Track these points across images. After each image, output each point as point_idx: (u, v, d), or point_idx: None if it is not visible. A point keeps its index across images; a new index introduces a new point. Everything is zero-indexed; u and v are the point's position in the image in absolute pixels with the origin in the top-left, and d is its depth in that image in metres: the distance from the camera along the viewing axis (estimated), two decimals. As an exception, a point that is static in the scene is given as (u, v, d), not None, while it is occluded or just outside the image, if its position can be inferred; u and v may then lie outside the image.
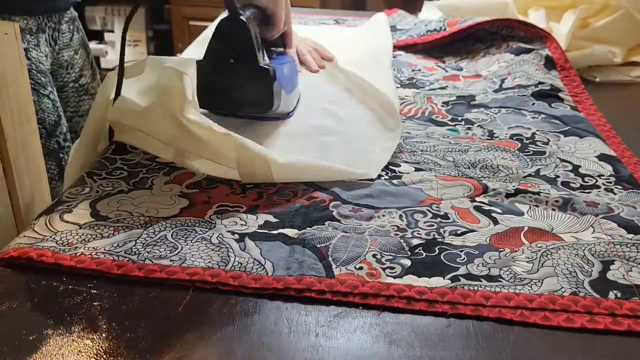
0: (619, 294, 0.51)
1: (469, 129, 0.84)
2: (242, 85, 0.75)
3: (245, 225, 0.59)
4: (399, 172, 0.71)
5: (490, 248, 0.57)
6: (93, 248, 0.55)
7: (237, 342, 0.46)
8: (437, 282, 0.52)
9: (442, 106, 0.92)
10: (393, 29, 1.30)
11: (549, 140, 0.80)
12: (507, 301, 0.50)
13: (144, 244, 0.56)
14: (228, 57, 0.73)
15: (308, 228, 0.59)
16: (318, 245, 0.56)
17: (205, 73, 0.71)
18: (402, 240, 0.57)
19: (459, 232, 0.59)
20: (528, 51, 1.08)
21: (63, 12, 0.98)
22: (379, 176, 0.70)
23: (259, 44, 0.75)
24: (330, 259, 0.54)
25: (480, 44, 1.18)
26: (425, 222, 0.61)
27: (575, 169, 0.72)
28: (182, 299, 0.50)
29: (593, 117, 0.88)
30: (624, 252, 0.56)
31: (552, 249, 0.56)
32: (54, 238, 0.56)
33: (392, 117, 0.82)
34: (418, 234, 0.59)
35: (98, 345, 0.45)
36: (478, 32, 1.18)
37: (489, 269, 0.54)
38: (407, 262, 0.54)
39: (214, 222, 0.60)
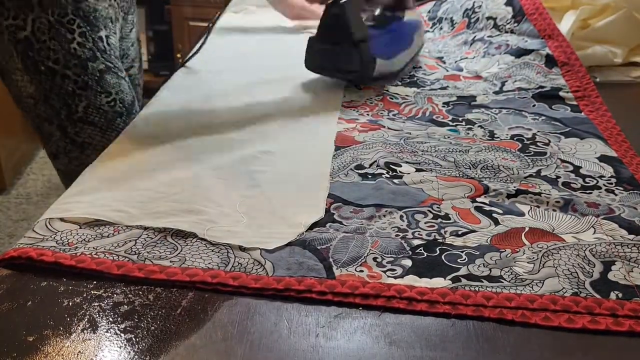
0: (620, 295, 0.50)
1: (469, 129, 0.84)
2: (339, 59, 0.92)
3: (245, 225, 0.59)
4: (399, 172, 0.71)
5: (491, 249, 0.57)
6: (93, 248, 0.55)
7: (237, 343, 0.45)
8: (438, 282, 0.52)
9: (443, 106, 0.92)
10: None
11: (549, 141, 0.80)
12: (508, 302, 0.49)
13: (144, 244, 0.56)
14: (329, 36, 0.92)
15: (309, 230, 0.59)
16: (319, 247, 0.56)
17: (312, 46, 0.94)
18: (402, 241, 0.57)
19: (459, 232, 0.59)
20: (528, 52, 1.07)
21: (132, 5, 1.05)
22: (380, 175, 0.69)
23: (358, 22, 0.91)
24: (330, 259, 0.54)
25: (479, 42, 1.18)
26: (426, 223, 0.61)
27: (576, 169, 0.72)
28: (182, 299, 0.50)
29: (597, 112, 0.88)
30: (625, 252, 0.56)
31: (553, 249, 0.56)
32: (54, 238, 0.56)
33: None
34: (419, 234, 0.59)
35: (98, 346, 0.45)
36: (480, 31, 1.18)
37: (489, 269, 0.54)
38: (408, 263, 0.54)
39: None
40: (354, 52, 0.91)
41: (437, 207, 0.63)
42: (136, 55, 1.12)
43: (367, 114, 0.88)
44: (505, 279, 0.52)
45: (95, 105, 0.89)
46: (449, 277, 0.52)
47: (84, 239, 0.56)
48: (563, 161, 0.74)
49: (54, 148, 0.94)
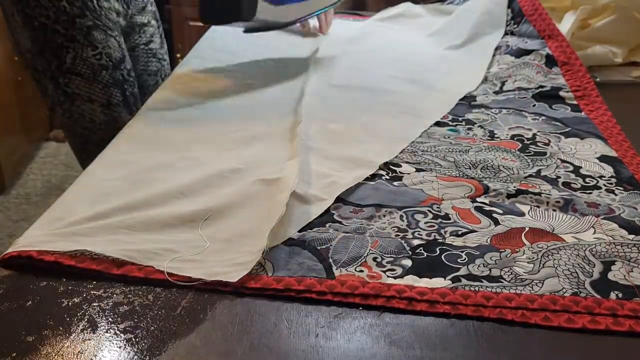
0: (620, 295, 0.50)
1: (469, 129, 0.84)
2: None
3: (245, 225, 0.59)
4: (399, 172, 0.71)
5: (491, 249, 0.56)
6: (93, 248, 0.54)
7: (237, 343, 0.45)
8: (438, 282, 0.52)
9: (443, 106, 0.92)
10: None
11: (549, 141, 0.80)
12: (508, 302, 0.49)
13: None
14: None
15: (309, 230, 0.59)
16: (318, 247, 0.56)
17: None
18: (402, 241, 0.57)
19: (459, 232, 0.59)
20: (528, 52, 1.07)
21: None
22: (380, 176, 0.69)
23: None
24: (330, 260, 0.54)
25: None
26: (426, 223, 0.61)
27: (576, 169, 0.72)
28: (182, 299, 0.50)
29: (597, 112, 0.88)
30: (624, 252, 0.56)
31: (553, 249, 0.56)
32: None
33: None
34: (419, 234, 0.59)
35: (97, 346, 0.45)
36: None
37: (489, 269, 0.54)
38: (408, 263, 0.54)
39: (214, 222, 0.59)
40: None
41: (437, 207, 0.63)
42: (156, 32, 1.20)
43: (367, 114, 0.88)
44: (505, 279, 0.52)
45: (81, 57, 0.99)
46: (449, 277, 0.52)
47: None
48: (563, 161, 0.74)
49: (50, 101, 1.03)
